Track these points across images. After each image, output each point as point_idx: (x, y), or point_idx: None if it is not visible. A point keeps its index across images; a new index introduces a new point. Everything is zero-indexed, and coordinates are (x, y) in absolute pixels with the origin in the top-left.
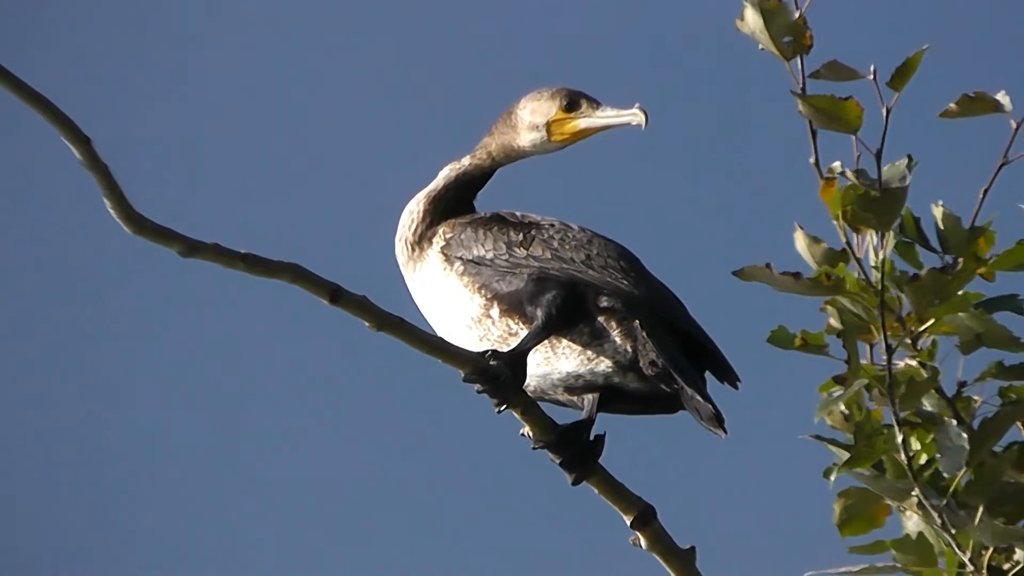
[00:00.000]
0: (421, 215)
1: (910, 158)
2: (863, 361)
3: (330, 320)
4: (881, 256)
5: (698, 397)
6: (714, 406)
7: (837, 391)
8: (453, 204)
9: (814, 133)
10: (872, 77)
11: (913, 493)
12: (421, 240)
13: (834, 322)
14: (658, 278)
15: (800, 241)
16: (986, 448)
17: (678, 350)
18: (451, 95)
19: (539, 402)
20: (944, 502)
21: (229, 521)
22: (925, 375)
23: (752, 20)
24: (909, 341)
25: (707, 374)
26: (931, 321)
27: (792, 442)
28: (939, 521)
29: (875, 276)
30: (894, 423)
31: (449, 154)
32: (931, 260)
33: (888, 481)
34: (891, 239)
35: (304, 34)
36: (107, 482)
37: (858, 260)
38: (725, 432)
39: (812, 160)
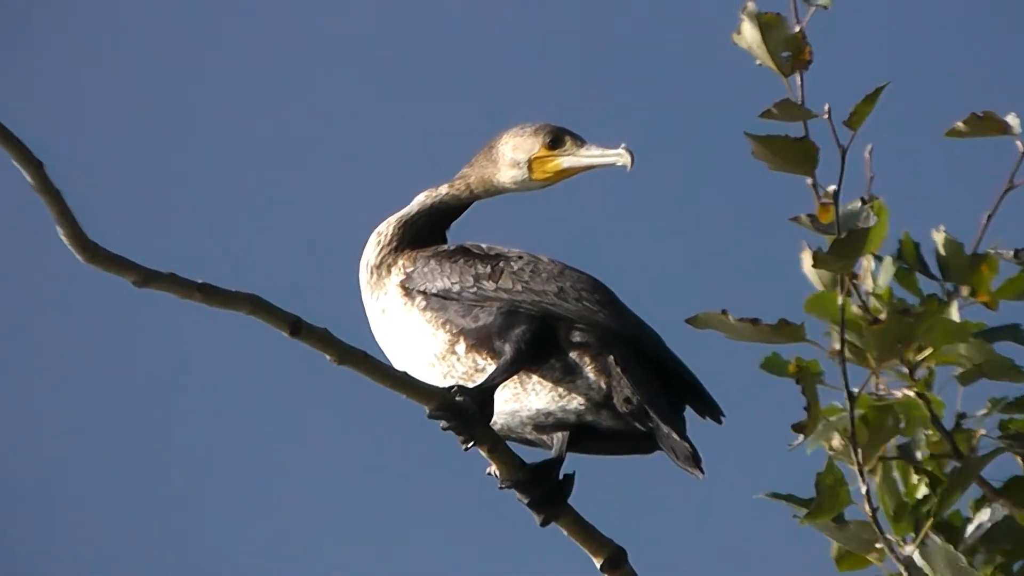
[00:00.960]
0: (388, 238)
1: (863, 200)
2: (853, 390)
3: (292, 352)
4: (841, 300)
5: (674, 435)
6: (691, 445)
7: (803, 438)
8: (425, 232)
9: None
10: (827, 116)
11: (878, 545)
12: (382, 266)
13: (837, 347)
14: (633, 311)
15: (808, 262)
16: (968, 481)
17: (655, 387)
18: (422, 122)
19: (506, 440)
20: (914, 550)
21: (191, 548)
22: (889, 422)
23: (749, 34)
24: (906, 371)
25: (689, 409)
26: (929, 351)
27: (774, 479)
28: (905, 575)
29: (872, 303)
30: (857, 473)
31: (419, 184)
32: (931, 287)
33: (851, 531)
34: (889, 266)
35: (267, 61)
36: (68, 509)
37: (856, 288)
38: (702, 472)
39: (809, 182)
